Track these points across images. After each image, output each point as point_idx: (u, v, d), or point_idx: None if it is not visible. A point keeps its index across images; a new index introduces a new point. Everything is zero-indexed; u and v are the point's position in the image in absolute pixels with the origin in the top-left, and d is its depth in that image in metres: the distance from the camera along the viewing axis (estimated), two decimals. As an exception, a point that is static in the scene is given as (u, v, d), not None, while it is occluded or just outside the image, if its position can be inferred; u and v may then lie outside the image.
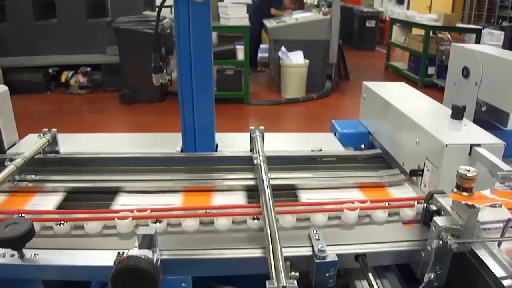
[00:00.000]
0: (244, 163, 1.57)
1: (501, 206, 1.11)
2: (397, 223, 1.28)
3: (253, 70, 7.60)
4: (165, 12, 6.21)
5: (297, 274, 1.07)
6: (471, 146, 1.30)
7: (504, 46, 6.88)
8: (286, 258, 1.03)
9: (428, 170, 1.38)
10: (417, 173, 1.43)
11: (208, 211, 1.24)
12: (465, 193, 1.12)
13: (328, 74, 6.59)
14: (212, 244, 1.14)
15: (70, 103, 6.08)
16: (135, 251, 0.95)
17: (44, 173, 1.51)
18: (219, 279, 1.29)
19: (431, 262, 1.10)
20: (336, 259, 1.08)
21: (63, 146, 1.69)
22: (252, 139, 1.62)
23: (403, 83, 2.05)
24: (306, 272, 1.12)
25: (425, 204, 1.22)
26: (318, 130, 2.09)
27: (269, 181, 1.28)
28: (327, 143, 1.82)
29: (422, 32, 7.55)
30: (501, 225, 1.18)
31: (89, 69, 6.46)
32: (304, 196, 1.41)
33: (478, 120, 1.50)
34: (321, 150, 1.69)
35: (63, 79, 6.42)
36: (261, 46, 8.13)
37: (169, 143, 1.76)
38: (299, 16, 6.75)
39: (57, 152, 1.67)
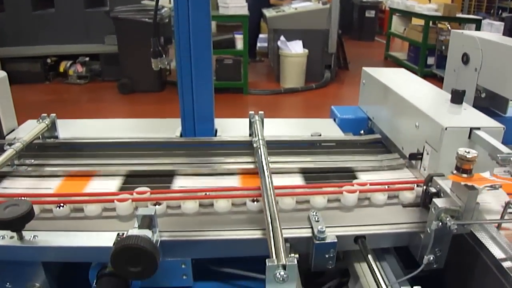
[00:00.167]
0: (244, 147, 1.57)
1: (500, 187, 1.11)
2: (397, 205, 1.28)
3: (252, 60, 7.57)
4: (164, 1, 6.16)
5: (297, 255, 1.07)
6: (471, 129, 1.30)
7: (504, 36, 6.85)
8: (286, 240, 1.03)
9: (427, 153, 1.38)
10: (416, 156, 1.43)
11: (207, 193, 1.24)
12: (464, 175, 1.12)
13: (327, 64, 6.56)
14: (212, 225, 1.14)
15: (69, 93, 6.06)
16: (135, 231, 0.95)
17: (43, 158, 1.51)
18: (219, 262, 1.29)
19: (431, 244, 1.10)
20: (336, 240, 1.08)
21: (62, 131, 1.68)
22: (251, 124, 1.62)
23: (403, 69, 2.05)
24: (306, 256, 1.12)
25: (425, 187, 1.22)
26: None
27: (268, 163, 1.28)
28: (326, 129, 1.82)
29: (421, 22, 7.51)
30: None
31: (87, 59, 6.43)
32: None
33: (478, 107, 1.50)
34: (320, 135, 1.69)
35: (61, 69, 6.39)
36: (260, 35, 8.10)
37: (168, 128, 1.76)
38: (298, 5, 6.70)
39: (56, 137, 1.67)
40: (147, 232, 0.94)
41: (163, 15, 5.73)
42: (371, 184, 1.31)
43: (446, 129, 1.28)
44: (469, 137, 1.31)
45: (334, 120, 1.96)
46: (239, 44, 5.86)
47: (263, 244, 0.98)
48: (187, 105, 1.63)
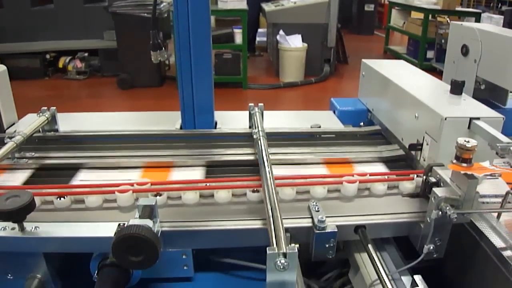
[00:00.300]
0: (244, 139, 1.57)
1: (500, 175, 1.12)
2: (397, 196, 1.28)
3: (251, 54, 7.56)
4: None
5: (297, 245, 1.07)
6: (470, 119, 1.30)
7: (503, 30, 6.83)
8: (286, 230, 1.04)
9: (427, 144, 1.38)
10: (416, 147, 1.43)
11: (208, 184, 1.24)
12: (464, 164, 1.12)
13: (327, 58, 6.54)
14: (212, 216, 1.15)
15: (68, 89, 6.05)
16: (136, 221, 0.96)
17: (44, 151, 1.51)
18: (220, 253, 1.29)
19: (431, 233, 1.10)
20: (336, 230, 1.08)
21: (62, 125, 1.69)
22: (251, 116, 1.62)
23: (402, 60, 2.05)
24: (306, 246, 1.13)
25: (425, 177, 1.22)
26: (317, 113, 2.09)
27: (268, 154, 1.28)
28: (326, 121, 1.83)
29: (421, 15, 7.49)
30: (500, 199, 1.19)
31: (86, 54, 6.42)
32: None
33: (477, 99, 1.50)
34: (320, 126, 1.69)
35: (60, 65, 6.38)
36: (259, 30, 8.08)
37: (168, 121, 1.76)
38: (297, -1, 6.69)
39: (56, 130, 1.67)
40: (148, 222, 0.95)
41: (162, 10, 5.71)
42: (371, 174, 1.31)
43: (445, 119, 1.28)
44: (469, 127, 1.31)
45: (334, 112, 1.96)
46: (238, 39, 5.84)
47: (263, 234, 0.98)
48: (187, 98, 1.63)
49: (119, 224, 1.06)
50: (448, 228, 1.11)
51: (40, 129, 1.62)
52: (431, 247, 1.12)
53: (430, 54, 7.27)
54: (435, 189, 1.10)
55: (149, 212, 1.00)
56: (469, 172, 1.08)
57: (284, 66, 6.21)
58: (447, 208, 1.06)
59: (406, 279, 1.12)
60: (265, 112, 1.65)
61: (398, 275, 1.13)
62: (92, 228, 1.08)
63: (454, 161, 1.14)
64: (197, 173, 1.40)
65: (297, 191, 1.25)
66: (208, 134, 1.64)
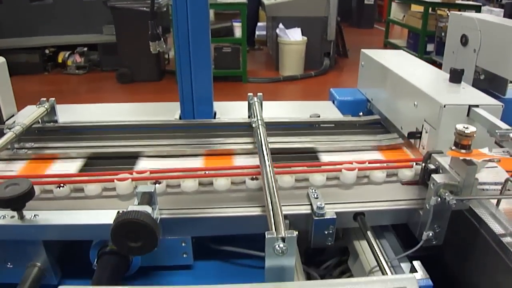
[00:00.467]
0: (243, 129, 1.58)
1: (499, 161, 1.12)
2: (396, 183, 1.28)
3: (251, 48, 7.55)
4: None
5: (296, 232, 1.07)
6: (469, 106, 1.30)
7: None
8: (285, 217, 1.04)
9: (426, 132, 1.38)
10: (415, 135, 1.43)
11: (207, 172, 1.24)
12: (463, 151, 1.12)
13: (326, 52, 6.53)
14: (211, 203, 1.15)
15: (68, 83, 6.04)
16: (135, 207, 0.96)
17: (43, 142, 1.51)
18: (219, 241, 1.29)
19: (430, 220, 1.10)
20: (335, 217, 1.08)
21: (61, 116, 1.69)
22: (250, 105, 1.62)
23: (401, 50, 2.04)
24: (305, 234, 1.13)
25: (424, 164, 1.22)
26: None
27: (267, 142, 1.28)
28: (325, 111, 1.82)
29: (421, 8, 7.47)
30: (499, 187, 1.19)
31: (85, 49, 6.41)
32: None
33: (477, 89, 1.50)
34: (319, 116, 1.69)
35: (60, 60, 6.37)
36: (259, 24, 8.06)
37: (167, 112, 1.76)
38: (297, -8, 6.67)
39: (56, 121, 1.67)
40: (147, 208, 0.95)
41: (161, 3, 5.70)
42: (370, 162, 1.31)
43: (444, 106, 1.28)
44: (468, 114, 1.31)
45: (333, 103, 1.96)
46: (238, 32, 5.84)
47: (262, 221, 0.98)
48: (186, 88, 1.63)
49: (118, 212, 1.06)
50: (447, 215, 1.11)
51: (40, 120, 1.62)
52: (430, 234, 1.12)
53: (430, 47, 7.25)
54: (434, 176, 1.10)
55: (148, 198, 1.00)
56: (468, 158, 1.08)
57: (283, 60, 6.20)
58: (446, 194, 1.06)
59: (405, 266, 1.12)
60: (264, 103, 1.65)
61: (397, 262, 1.13)
62: (91, 216, 1.08)
63: (453, 147, 1.14)
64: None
65: (296, 178, 1.25)
66: (207, 124, 1.64)
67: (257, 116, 1.47)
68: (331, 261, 1.34)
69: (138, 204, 0.99)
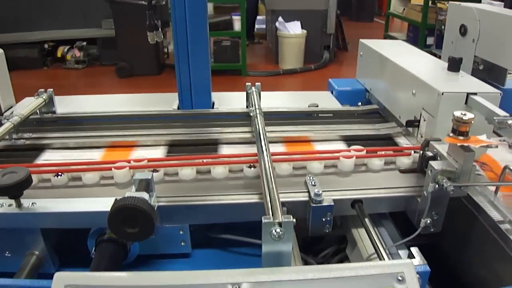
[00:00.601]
0: (241, 118, 1.57)
1: (497, 147, 1.11)
2: (394, 171, 1.28)
3: (251, 42, 7.53)
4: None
5: (294, 220, 1.07)
6: (468, 94, 1.30)
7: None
8: (283, 204, 1.04)
9: (424, 120, 1.38)
10: (413, 123, 1.43)
11: (204, 160, 1.24)
12: (461, 137, 1.12)
13: (326, 45, 6.52)
14: (209, 191, 1.14)
15: (67, 78, 6.04)
16: (132, 194, 0.96)
17: (41, 132, 1.51)
18: (217, 230, 1.29)
19: (427, 207, 1.10)
20: (332, 204, 1.08)
21: (59, 108, 1.69)
22: (248, 95, 1.62)
23: (400, 40, 2.04)
24: (303, 222, 1.13)
25: (421, 151, 1.22)
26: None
27: (265, 130, 1.28)
28: (324, 101, 1.82)
29: (421, 1, 7.42)
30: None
31: (85, 43, 6.39)
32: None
33: (476, 79, 1.50)
34: (317, 106, 1.69)
35: (59, 54, 6.36)
36: (258, 17, 8.04)
37: (165, 102, 1.76)
38: (296, -15, 6.65)
39: (54, 112, 1.67)
40: (144, 195, 0.95)
41: (159, -4, 5.69)
42: (367, 150, 1.31)
43: (442, 94, 1.28)
44: (466, 102, 1.31)
45: (332, 93, 1.96)
46: (237, 26, 5.82)
47: (260, 208, 0.98)
48: (184, 78, 1.63)
49: (116, 199, 1.06)
50: (445, 202, 1.11)
51: (38, 111, 1.62)
52: (428, 221, 1.12)
53: (430, 40, 7.23)
54: (432, 162, 1.10)
55: (145, 185, 1.00)
56: (465, 144, 1.08)
57: (283, 53, 6.19)
58: (444, 181, 1.06)
59: (403, 253, 1.12)
60: (262, 94, 1.65)
61: (395, 249, 1.14)
62: (89, 203, 1.08)
63: (451, 134, 1.14)
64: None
65: (294, 166, 1.25)
66: (206, 114, 1.64)
67: (255, 105, 1.47)
68: (329, 250, 1.34)
69: (136, 191, 0.99)
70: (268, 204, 0.92)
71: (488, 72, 1.97)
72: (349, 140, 1.47)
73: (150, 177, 1.01)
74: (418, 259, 1.01)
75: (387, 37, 8.54)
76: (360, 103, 1.88)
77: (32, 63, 6.25)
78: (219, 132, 1.48)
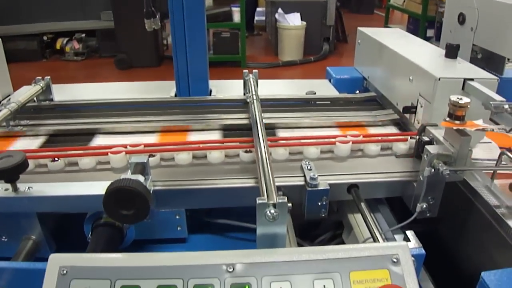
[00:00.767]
0: (238, 105, 1.57)
1: (493, 130, 1.11)
2: (390, 156, 1.28)
3: (250, 34, 7.52)
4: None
5: (290, 204, 1.07)
6: (465, 80, 1.30)
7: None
8: (279, 188, 1.04)
9: (421, 106, 1.38)
10: (410, 110, 1.43)
11: (201, 145, 1.24)
12: (457, 121, 1.12)
13: (326, 37, 6.51)
14: (205, 175, 1.15)
15: (66, 70, 6.04)
16: (127, 176, 0.96)
17: (39, 119, 1.51)
18: (214, 216, 1.29)
19: (423, 191, 1.10)
20: (328, 188, 1.08)
21: (57, 95, 1.69)
22: (245, 82, 1.62)
23: (398, 28, 2.04)
24: (299, 209, 1.13)
25: (418, 136, 1.22)
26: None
27: (261, 116, 1.28)
28: (321, 89, 1.82)
29: (421, -7, 7.43)
30: (493, 163, 1.19)
31: (84, 35, 6.40)
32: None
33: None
34: (315, 93, 1.69)
35: (58, 46, 6.37)
36: (258, 9, 8.03)
37: (163, 90, 1.76)
38: (296, -24, 6.63)
39: (51, 100, 1.67)
40: (139, 177, 0.95)
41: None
42: (364, 135, 1.31)
43: (439, 79, 1.28)
44: (463, 88, 1.30)
45: (330, 81, 1.96)
46: (236, 17, 5.80)
47: (256, 193, 0.97)
48: (181, 65, 1.63)
49: (111, 183, 1.06)
50: (441, 186, 1.11)
51: (35, 99, 1.62)
52: (424, 206, 1.12)
53: (430, 32, 7.21)
54: (428, 147, 1.10)
55: (140, 169, 1.00)
56: (461, 128, 1.08)
57: (283, 45, 6.18)
58: (440, 165, 1.06)
59: (399, 238, 1.12)
60: (260, 81, 1.64)
61: (391, 234, 1.14)
62: (85, 187, 1.07)
63: (447, 118, 1.14)
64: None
65: (290, 151, 1.25)
66: (203, 100, 1.64)
67: (252, 91, 1.47)
68: (325, 235, 1.34)
69: (131, 174, 0.99)
70: (263, 186, 0.92)
71: (487, 61, 1.97)
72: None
73: (145, 161, 1.01)
74: (413, 242, 1.01)
75: (387, 29, 8.52)
76: (358, 91, 1.87)
77: (31, 55, 6.25)
78: (216, 118, 1.48)
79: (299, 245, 1.25)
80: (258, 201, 0.84)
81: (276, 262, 0.82)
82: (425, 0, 7.08)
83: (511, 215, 1.03)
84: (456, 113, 1.12)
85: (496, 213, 1.05)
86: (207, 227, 1.27)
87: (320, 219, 1.15)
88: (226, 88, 1.79)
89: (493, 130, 1.11)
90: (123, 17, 5.70)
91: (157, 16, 1.68)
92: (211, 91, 1.74)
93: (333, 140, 1.27)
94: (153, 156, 1.19)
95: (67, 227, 1.20)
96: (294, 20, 6.03)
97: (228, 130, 1.44)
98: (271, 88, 1.80)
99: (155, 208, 1.09)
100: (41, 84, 1.63)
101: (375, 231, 1.07)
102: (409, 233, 1.05)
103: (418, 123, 1.40)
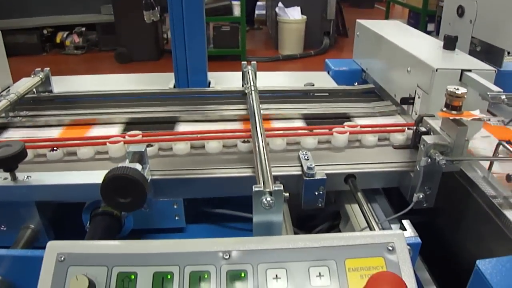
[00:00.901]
0: (237, 97, 1.57)
1: (489, 120, 1.12)
2: (387, 147, 1.28)
3: (250, 28, 7.52)
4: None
5: (287, 194, 1.08)
6: (462, 71, 1.30)
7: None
8: (276, 178, 1.05)
9: (419, 97, 1.38)
10: (408, 101, 1.43)
11: (199, 135, 1.24)
12: (454, 112, 1.12)
13: (326, 31, 6.51)
14: (203, 165, 1.15)
15: (66, 64, 6.04)
16: (125, 164, 0.96)
17: (38, 110, 1.51)
18: (212, 205, 1.30)
19: (420, 181, 1.10)
20: (325, 177, 1.08)
21: (56, 87, 1.69)
22: (244, 74, 1.62)
23: (397, 21, 2.04)
24: (296, 200, 1.13)
25: (415, 127, 1.22)
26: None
27: (259, 107, 1.28)
28: (320, 81, 1.82)
29: (422, -13, 7.41)
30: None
31: (84, 29, 6.40)
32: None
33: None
34: (313, 85, 1.69)
35: (58, 40, 6.38)
36: (258, 3, 8.01)
37: (162, 82, 1.76)
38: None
39: (51, 91, 1.67)
40: (137, 165, 0.95)
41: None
42: (361, 126, 1.31)
43: (437, 70, 1.28)
44: (460, 79, 1.30)
45: (328, 73, 1.96)
46: (237, 11, 5.79)
47: (253, 182, 0.98)
48: (180, 57, 1.63)
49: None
50: (438, 176, 1.11)
51: (35, 90, 1.63)
52: (421, 196, 1.12)
53: (430, 27, 7.20)
54: (425, 137, 1.10)
55: (138, 157, 1.00)
56: (458, 118, 1.08)
57: (283, 39, 6.17)
58: (436, 155, 1.06)
59: (395, 228, 1.12)
60: (259, 73, 1.64)
61: (388, 223, 1.14)
62: (84, 176, 1.08)
63: (444, 109, 1.14)
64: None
65: (288, 142, 1.26)
66: (202, 92, 1.64)
67: (250, 83, 1.47)
68: (322, 226, 1.35)
69: (129, 162, 0.99)
70: (260, 175, 0.93)
71: (486, 54, 1.97)
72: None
73: (143, 150, 1.02)
74: (409, 231, 1.02)
75: (387, 23, 8.50)
76: (356, 83, 1.88)
77: (31, 49, 6.25)
78: (215, 109, 1.48)
79: (296, 234, 1.25)
80: (254, 188, 0.85)
81: (272, 250, 0.83)
82: (426, -6, 7.08)
83: (508, 206, 1.04)
84: (453, 103, 1.11)
85: (493, 203, 1.05)
86: (205, 217, 1.28)
87: (317, 210, 1.15)
88: (225, 80, 1.80)
89: (489, 120, 1.12)
90: (123, 10, 5.69)
91: (156, 8, 1.68)
92: (209, 82, 1.74)
93: (330, 130, 1.27)
94: (151, 145, 1.20)
95: (66, 217, 1.21)
96: (294, 14, 6.03)
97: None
98: (270, 80, 1.80)
99: (153, 198, 1.10)
100: (40, 76, 1.63)
101: (371, 221, 1.08)
102: (405, 222, 1.05)
103: (416, 114, 1.40)
